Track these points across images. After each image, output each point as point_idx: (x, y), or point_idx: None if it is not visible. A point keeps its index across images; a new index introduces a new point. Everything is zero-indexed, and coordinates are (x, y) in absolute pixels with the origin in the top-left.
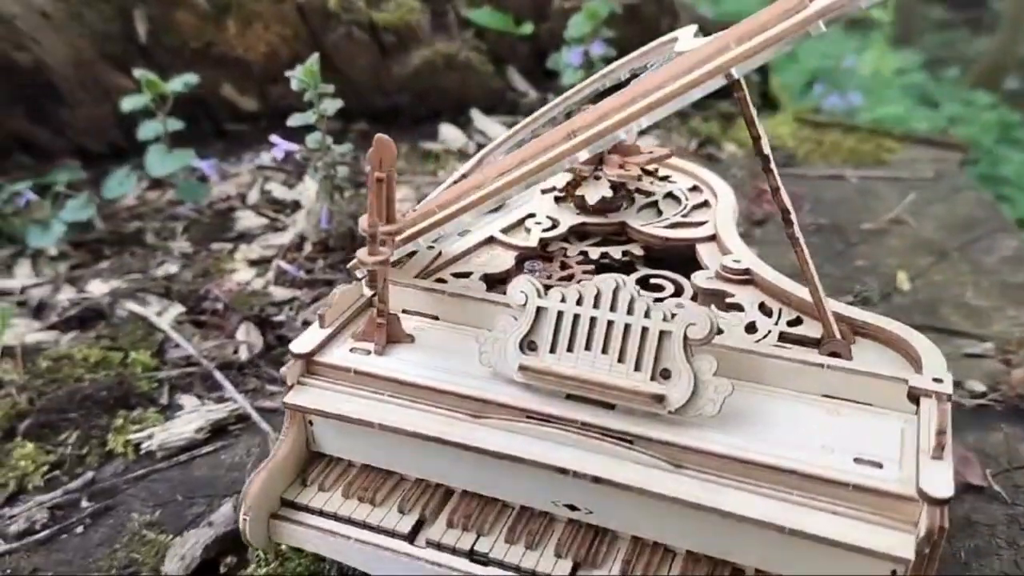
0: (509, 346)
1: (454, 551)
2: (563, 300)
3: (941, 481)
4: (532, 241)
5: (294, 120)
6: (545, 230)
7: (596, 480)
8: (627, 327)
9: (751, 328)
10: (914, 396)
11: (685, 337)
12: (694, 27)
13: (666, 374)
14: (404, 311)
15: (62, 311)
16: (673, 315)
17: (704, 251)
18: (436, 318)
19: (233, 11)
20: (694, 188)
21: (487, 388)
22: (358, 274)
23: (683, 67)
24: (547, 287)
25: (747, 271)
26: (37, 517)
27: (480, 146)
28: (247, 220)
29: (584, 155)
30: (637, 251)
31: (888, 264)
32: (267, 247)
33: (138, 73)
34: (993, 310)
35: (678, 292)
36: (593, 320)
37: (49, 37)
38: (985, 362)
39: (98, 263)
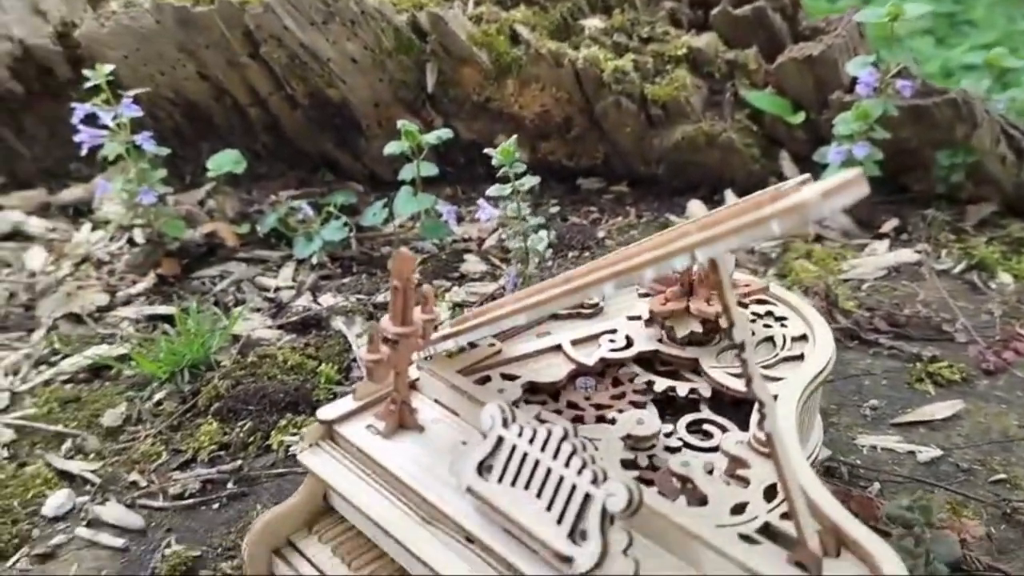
0: (469, 464)
1: None
2: (520, 435)
3: None
4: (592, 358)
5: (492, 191)
6: (614, 349)
7: None
8: (561, 479)
9: (739, 509)
10: None
11: (603, 509)
12: (805, 176)
13: (584, 535)
14: (436, 400)
15: (292, 315)
16: (605, 479)
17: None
18: (457, 414)
19: (513, 72)
20: (801, 337)
21: (445, 497)
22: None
23: (654, 244)
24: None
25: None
26: (191, 486)
27: None
28: (473, 264)
29: (568, 301)
30: (707, 391)
31: None
32: (472, 294)
33: (400, 123)
34: None
35: None
36: (537, 463)
37: (355, 79)
38: None
39: (344, 278)
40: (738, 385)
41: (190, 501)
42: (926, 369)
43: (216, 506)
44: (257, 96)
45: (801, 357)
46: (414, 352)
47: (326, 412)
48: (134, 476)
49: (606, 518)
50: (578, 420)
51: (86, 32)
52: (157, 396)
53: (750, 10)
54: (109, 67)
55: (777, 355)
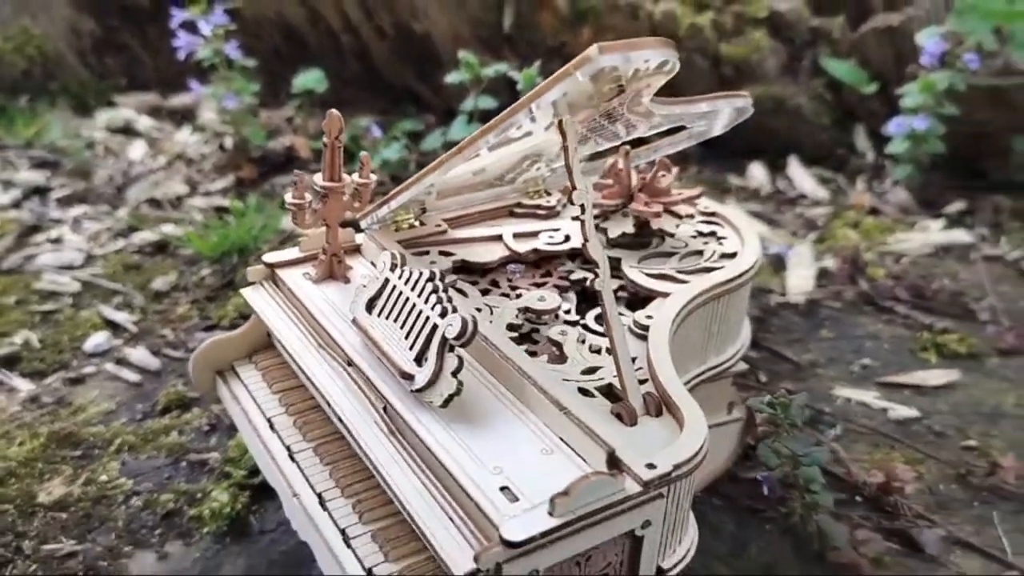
0: (361, 301)
1: (281, 442)
2: (399, 277)
3: (520, 529)
4: (523, 248)
5: None
6: (550, 243)
7: (341, 422)
8: (420, 313)
9: (591, 371)
10: (614, 464)
11: (443, 336)
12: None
13: (425, 359)
14: (372, 262)
15: None
16: (448, 309)
17: (654, 305)
18: None
19: (590, 19)
20: (732, 255)
21: (339, 328)
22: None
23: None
24: (405, 268)
25: (646, 328)
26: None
27: (778, 191)
28: None
29: (461, 158)
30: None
31: None
32: None
33: (462, 54)
34: None
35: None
36: (406, 300)
37: (438, 14)
38: None
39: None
40: (648, 283)
41: None
42: (934, 340)
43: None
44: (349, 23)
45: (718, 269)
46: (345, 211)
47: (270, 256)
48: (166, 331)
49: (444, 344)
50: (504, 296)
51: None
52: (204, 272)
53: None
54: None
55: (699, 264)
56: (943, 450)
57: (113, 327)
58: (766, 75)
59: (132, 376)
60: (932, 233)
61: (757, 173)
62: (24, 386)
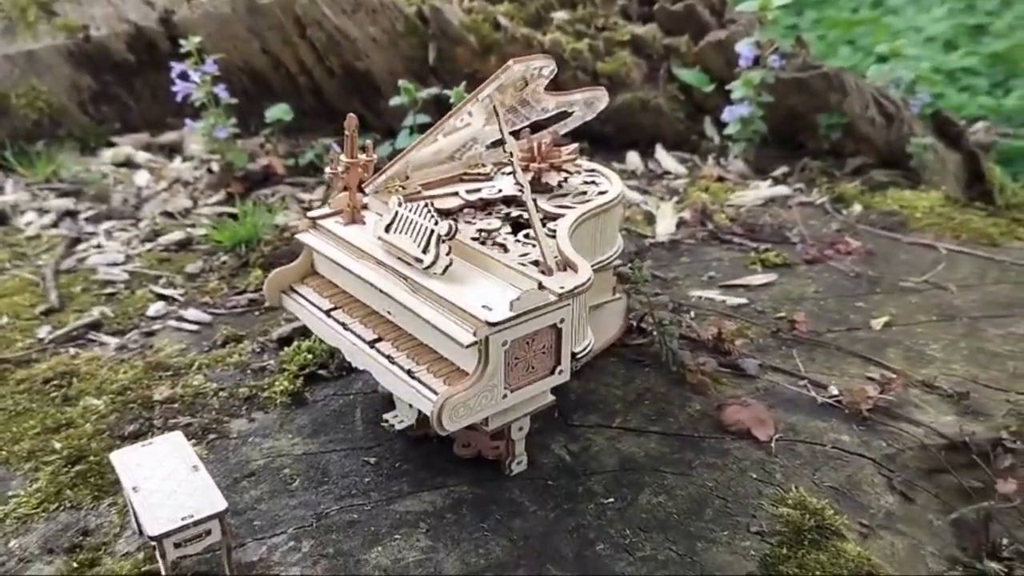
0: (380, 226)
1: (337, 321)
2: (407, 209)
3: (496, 316)
4: (472, 197)
5: None
6: (490, 193)
7: (383, 293)
8: (421, 225)
9: (524, 256)
10: (542, 288)
11: (438, 235)
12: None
13: (428, 249)
14: (377, 212)
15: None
16: (439, 222)
17: (559, 220)
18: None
19: (495, 50)
20: (603, 192)
21: (367, 244)
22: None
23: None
24: (415, 206)
25: (554, 231)
26: (241, 303)
27: (649, 171)
28: None
29: (430, 140)
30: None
31: (882, 312)
32: None
33: (401, 82)
34: (943, 363)
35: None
36: (413, 221)
37: (375, 54)
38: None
39: None
40: (554, 211)
41: (240, 310)
42: (759, 257)
43: (256, 313)
44: (304, 67)
45: (594, 199)
46: (359, 180)
47: (313, 213)
48: (205, 299)
49: (439, 239)
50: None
51: (181, 17)
52: (223, 258)
53: (682, 7)
54: (198, 38)
55: (585, 200)
56: (762, 320)
57: (165, 299)
58: (633, 84)
59: (191, 327)
60: (762, 190)
61: (633, 159)
62: (112, 341)
